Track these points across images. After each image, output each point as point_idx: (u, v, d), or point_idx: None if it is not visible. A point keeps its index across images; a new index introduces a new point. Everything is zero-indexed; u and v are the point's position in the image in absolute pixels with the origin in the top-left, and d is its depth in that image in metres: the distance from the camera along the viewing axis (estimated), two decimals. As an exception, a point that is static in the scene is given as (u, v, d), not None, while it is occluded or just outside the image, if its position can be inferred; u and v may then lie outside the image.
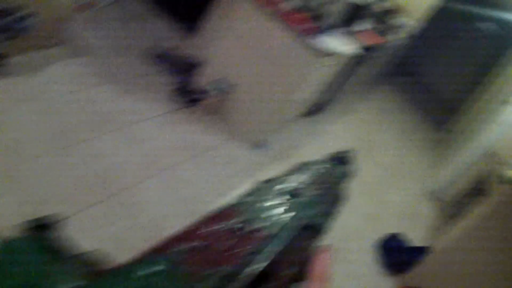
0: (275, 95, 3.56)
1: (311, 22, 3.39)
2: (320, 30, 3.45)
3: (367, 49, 4.53)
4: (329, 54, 3.35)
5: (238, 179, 3.43)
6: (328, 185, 0.65)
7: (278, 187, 0.60)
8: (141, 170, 2.97)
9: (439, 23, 9.50)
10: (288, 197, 0.58)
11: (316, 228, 0.55)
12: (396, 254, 3.69)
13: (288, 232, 0.49)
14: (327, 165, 0.71)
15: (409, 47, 8.44)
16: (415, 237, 4.23)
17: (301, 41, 3.28)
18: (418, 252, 3.70)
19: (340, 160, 0.75)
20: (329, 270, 0.50)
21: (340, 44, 3.63)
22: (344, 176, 0.72)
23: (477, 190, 4.42)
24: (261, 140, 3.85)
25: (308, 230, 0.53)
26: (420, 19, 7.23)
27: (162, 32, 4.62)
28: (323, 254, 0.51)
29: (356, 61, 4.45)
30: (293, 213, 0.54)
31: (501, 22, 9.88)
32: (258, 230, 0.48)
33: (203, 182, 3.22)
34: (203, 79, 3.80)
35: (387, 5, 6.08)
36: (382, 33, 5.53)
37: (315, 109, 4.80)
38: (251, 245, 0.44)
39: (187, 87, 3.83)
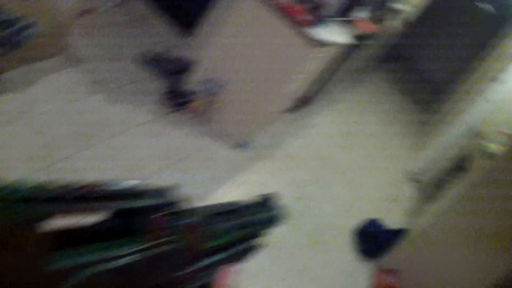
0: (265, 90, 3.61)
1: (307, 13, 3.45)
2: (317, 21, 3.52)
3: (362, 37, 4.65)
4: (325, 44, 3.44)
5: (223, 180, 3.49)
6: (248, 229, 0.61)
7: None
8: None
9: (433, 6, 9.66)
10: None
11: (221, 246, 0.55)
12: (373, 239, 3.75)
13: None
14: (253, 209, 0.66)
15: (403, 33, 8.59)
16: (394, 220, 4.29)
17: (297, 32, 3.36)
18: (395, 235, 3.77)
19: (265, 204, 0.69)
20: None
21: (336, 34, 3.74)
22: (267, 222, 0.67)
23: (457, 168, 4.53)
24: (246, 139, 3.89)
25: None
26: (416, 4, 7.34)
27: (159, 35, 4.61)
28: (226, 272, 0.52)
29: (350, 50, 4.54)
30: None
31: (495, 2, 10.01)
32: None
33: (188, 186, 3.10)
34: (193, 80, 3.84)
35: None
36: (378, 20, 5.69)
37: (302, 102, 4.84)
38: None
39: (177, 90, 3.85)
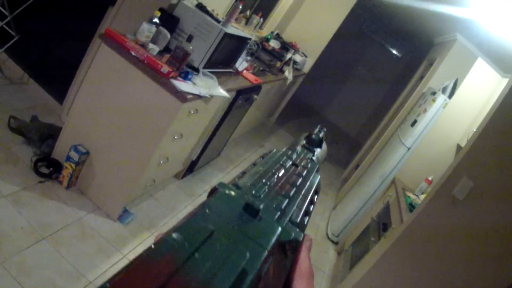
0: (137, 153, 3.19)
1: (175, 64, 3.03)
2: (187, 73, 3.12)
3: (250, 89, 4.24)
4: (196, 97, 3.01)
5: (100, 256, 3.03)
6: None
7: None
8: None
9: (339, 56, 9.61)
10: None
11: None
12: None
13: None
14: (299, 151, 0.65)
15: (309, 84, 8.38)
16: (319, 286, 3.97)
17: (162, 86, 2.93)
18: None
19: (313, 143, 0.71)
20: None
21: (211, 86, 3.28)
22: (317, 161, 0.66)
23: (379, 225, 4.27)
24: (125, 209, 3.45)
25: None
26: (315, 56, 7.15)
27: (32, 100, 4.30)
28: (305, 247, 0.44)
29: (238, 104, 4.14)
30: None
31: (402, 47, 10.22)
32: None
33: (61, 263, 2.78)
34: (60, 148, 3.45)
35: (276, 43, 5.90)
36: (270, 71, 5.32)
37: (193, 166, 4.43)
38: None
39: (46, 158, 3.48)
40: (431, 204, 3.09)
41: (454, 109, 4.99)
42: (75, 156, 3.26)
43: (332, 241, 5.13)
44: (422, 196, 4.39)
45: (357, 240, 4.57)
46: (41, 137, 3.65)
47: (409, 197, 4.35)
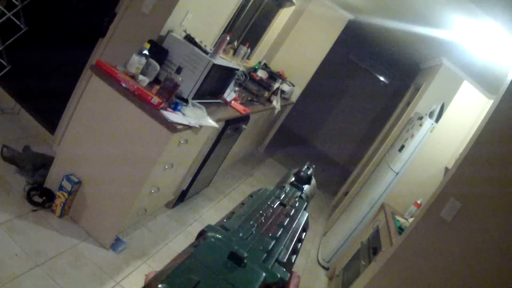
0: (128, 182, 3.22)
1: (164, 95, 3.10)
2: (176, 103, 3.18)
3: (238, 119, 4.30)
4: (185, 128, 3.06)
5: (94, 283, 3.03)
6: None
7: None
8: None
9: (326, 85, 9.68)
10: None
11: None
12: None
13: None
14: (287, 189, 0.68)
15: (297, 113, 8.43)
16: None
17: (152, 117, 2.99)
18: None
19: (301, 180, 0.73)
20: None
21: (201, 117, 3.34)
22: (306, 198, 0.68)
23: (369, 249, 4.27)
24: (117, 238, 3.47)
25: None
26: (303, 85, 7.21)
27: (25, 129, 4.35)
28: (293, 284, 0.46)
29: (227, 134, 4.19)
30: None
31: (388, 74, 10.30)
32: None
33: None
34: (53, 177, 3.47)
35: (263, 73, 5.96)
36: (258, 101, 5.37)
37: (183, 195, 4.45)
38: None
39: (39, 187, 3.50)
40: (420, 226, 3.11)
41: (441, 132, 5.06)
42: (67, 185, 3.29)
43: (323, 267, 5.14)
44: (412, 220, 4.43)
45: (348, 264, 4.57)
46: (34, 166, 3.67)
47: (398, 220, 4.39)
